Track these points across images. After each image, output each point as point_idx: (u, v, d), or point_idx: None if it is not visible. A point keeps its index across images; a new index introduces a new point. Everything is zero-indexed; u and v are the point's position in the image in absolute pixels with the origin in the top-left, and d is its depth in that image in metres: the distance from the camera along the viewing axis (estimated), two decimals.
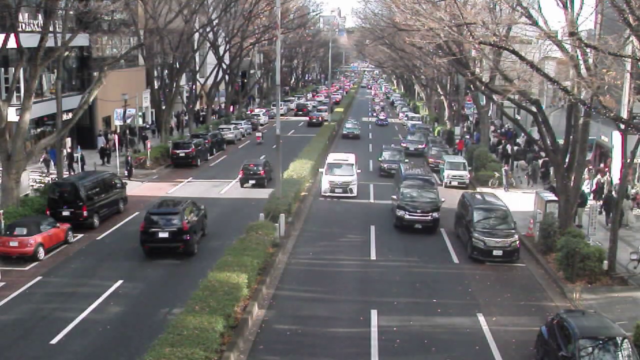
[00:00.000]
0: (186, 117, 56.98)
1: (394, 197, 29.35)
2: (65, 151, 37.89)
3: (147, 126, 54.59)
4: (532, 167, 38.21)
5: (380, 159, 42.26)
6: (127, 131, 45.58)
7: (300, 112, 79.73)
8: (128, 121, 44.05)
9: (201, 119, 63.34)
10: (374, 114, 79.05)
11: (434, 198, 28.21)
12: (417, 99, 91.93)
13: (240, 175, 36.89)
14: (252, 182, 36.41)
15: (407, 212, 27.46)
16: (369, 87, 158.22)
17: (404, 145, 50.49)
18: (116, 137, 42.17)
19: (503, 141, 48.00)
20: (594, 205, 25.59)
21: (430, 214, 27.43)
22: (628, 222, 28.05)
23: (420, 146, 49.13)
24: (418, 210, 27.48)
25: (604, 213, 28.74)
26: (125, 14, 42.68)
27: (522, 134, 40.57)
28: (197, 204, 26.50)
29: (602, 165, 36.26)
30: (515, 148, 43.94)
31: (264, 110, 73.81)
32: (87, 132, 46.08)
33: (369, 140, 58.58)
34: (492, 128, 53.21)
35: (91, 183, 28.02)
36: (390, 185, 34.08)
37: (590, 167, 35.46)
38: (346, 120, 68.86)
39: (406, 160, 40.16)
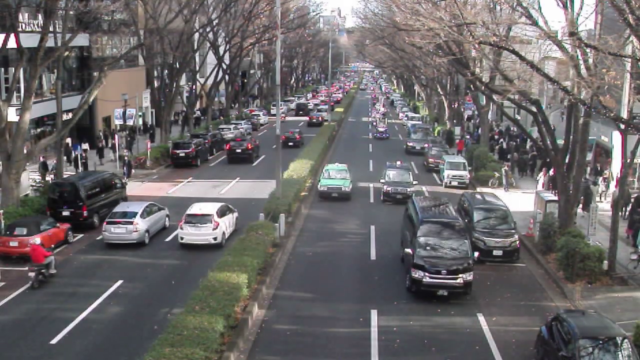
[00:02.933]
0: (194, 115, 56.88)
1: (409, 250, 20.88)
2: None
3: (146, 126, 54.58)
4: (522, 160, 40.34)
5: (382, 180, 34.32)
6: (141, 128, 45.60)
7: (301, 112, 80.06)
8: (130, 122, 44.08)
9: (193, 121, 61.39)
10: (374, 124, 66.19)
11: (465, 251, 20.40)
12: (417, 99, 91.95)
13: (282, 139, 44.12)
14: (290, 144, 49.45)
15: (427, 274, 19.70)
16: (371, 88, 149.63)
17: (410, 144, 51.28)
18: (116, 137, 42.20)
19: (496, 137, 49.69)
20: (594, 206, 25.56)
21: (459, 275, 19.66)
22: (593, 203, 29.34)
23: (425, 145, 49.10)
24: (442, 271, 19.70)
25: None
26: (125, 14, 42.70)
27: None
28: (257, 140, 47.92)
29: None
30: (513, 143, 45.90)
31: (263, 111, 73.98)
32: (87, 132, 46.11)
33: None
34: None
35: (91, 183, 28.04)
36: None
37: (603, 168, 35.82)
38: (328, 164, 39.30)
39: (414, 183, 34.00)
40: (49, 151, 38.64)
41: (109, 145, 43.94)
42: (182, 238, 24.78)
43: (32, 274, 20.50)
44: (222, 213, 25.50)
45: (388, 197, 33.18)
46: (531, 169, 39.96)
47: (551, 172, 35.17)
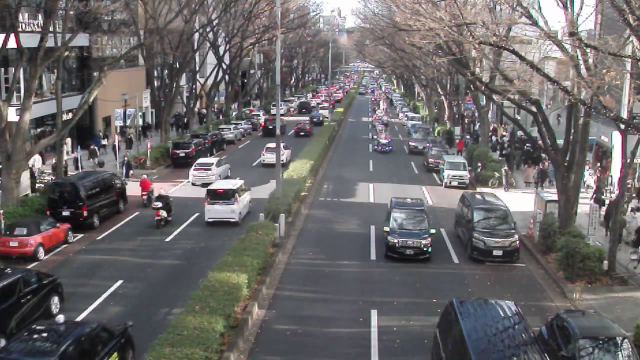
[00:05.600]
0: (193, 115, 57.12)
1: None
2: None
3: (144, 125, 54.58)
4: (514, 155, 41.83)
5: (386, 228, 23.91)
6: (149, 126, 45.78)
7: (304, 110, 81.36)
8: (128, 122, 44.09)
9: (186, 123, 57.69)
10: (374, 137, 56.67)
11: None
12: (417, 99, 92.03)
13: (294, 129, 59.06)
14: (302, 134, 57.83)
15: None
16: (371, 89, 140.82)
17: (413, 144, 51.83)
18: (116, 137, 42.17)
19: (489, 133, 49.53)
20: (594, 205, 25.57)
21: None
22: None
23: (427, 144, 49.12)
24: None
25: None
26: (125, 14, 42.73)
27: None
28: (283, 122, 53.41)
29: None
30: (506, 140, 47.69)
31: (262, 111, 74.25)
32: (87, 132, 46.11)
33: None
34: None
35: (91, 183, 28.02)
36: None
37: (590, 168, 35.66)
38: None
39: (432, 231, 23.85)
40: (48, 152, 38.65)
41: (90, 149, 43.20)
42: (264, 161, 42.14)
43: (144, 197, 30.88)
44: (284, 148, 40.70)
45: (394, 252, 23.38)
46: (524, 163, 40.73)
47: (540, 166, 35.63)
